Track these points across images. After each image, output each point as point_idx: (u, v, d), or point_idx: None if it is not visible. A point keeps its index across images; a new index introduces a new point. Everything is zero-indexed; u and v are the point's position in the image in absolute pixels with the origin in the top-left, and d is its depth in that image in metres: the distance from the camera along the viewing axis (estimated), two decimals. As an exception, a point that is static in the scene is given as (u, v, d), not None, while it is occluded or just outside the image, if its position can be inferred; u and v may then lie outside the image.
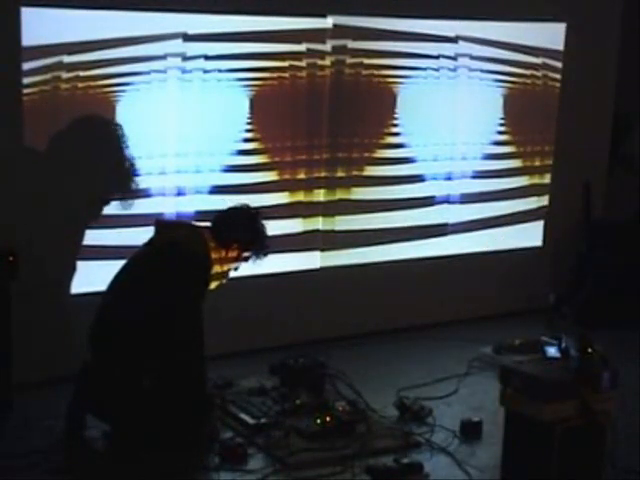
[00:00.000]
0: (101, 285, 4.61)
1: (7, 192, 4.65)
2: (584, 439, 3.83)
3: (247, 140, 5.38)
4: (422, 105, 5.93)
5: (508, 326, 6.09)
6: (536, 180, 6.55)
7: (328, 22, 5.51)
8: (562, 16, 6.31)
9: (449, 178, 6.16)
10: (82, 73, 4.80)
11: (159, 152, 5.08)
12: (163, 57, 5.03)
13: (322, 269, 5.76)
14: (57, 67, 4.73)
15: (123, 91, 4.93)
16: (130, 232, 4.97)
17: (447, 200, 6.18)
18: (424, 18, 5.79)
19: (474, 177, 6.26)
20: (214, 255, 4.42)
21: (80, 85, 4.81)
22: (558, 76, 6.44)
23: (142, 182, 4.93)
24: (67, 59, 4.74)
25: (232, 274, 4.59)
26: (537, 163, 6.54)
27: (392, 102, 5.82)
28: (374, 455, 4.15)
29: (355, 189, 5.80)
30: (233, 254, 4.49)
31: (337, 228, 5.77)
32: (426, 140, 6.01)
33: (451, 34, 5.95)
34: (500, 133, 6.32)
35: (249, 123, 5.36)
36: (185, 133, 5.16)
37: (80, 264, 4.96)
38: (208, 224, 4.55)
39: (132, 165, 4.84)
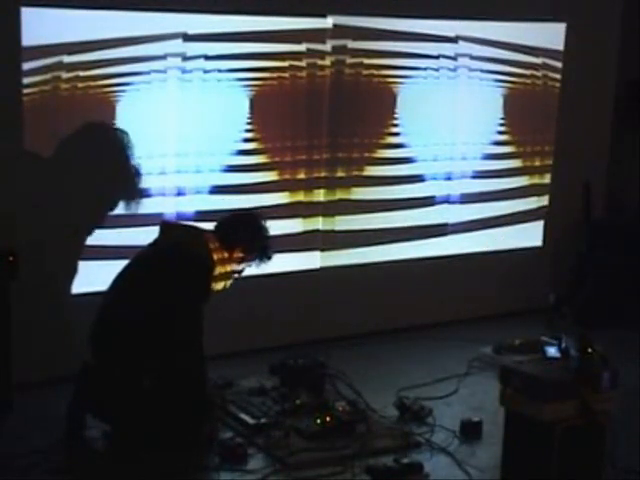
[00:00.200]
0: (101, 285, 4.61)
1: (7, 192, 4.65)
2: (584, 439, 3.83)
3: (247, 140, 5.38)
4: (422, 105, 5.93)
5: (508, 326, 6.09)
6: (536, 180, 6.55)
7: (328, 22, 5.51)
8: (562, 16, 6.31)
9: (449, 178, 6.16)
10: (82, 73, 4.80)
11: (159, 152, 5.08)
12: (163, 57, 5.03)
13: (322, 269, 5.76)
14: (57, 67, 4.73)
15: (123, 91, 4.93)
16: (130, 232, 4.97)
17: (447, 200, 6.18)
18: (424, 18, 5.79)
19: (474, 177, 6.26)
20: (217, 257, 4.41)
21: (80, 85, 4.81)
22: (558, 76, 6.44)
23: (146, 185, 4.93)
24: (67, 59, 4.74)
25: (236, 277, 4.58)
26: (537, 163, 6.54)
27: (392, 102, 5.82)
28: (374, 455, 4.15)
29: (355, 189, 5.80)
30: (236, 258, 4.49)
31: (337, 228, 5.77)
32: (426, 140, 6.01)
33: (451, 34, 5.95)
34: (500, 133, 6.32)
35: (249, 123, 5.36)
36: (185, 133, 5.16)
37: (80, 264, 4.96)
38: (212, 228, 4.55)
39: (137, 172, 4.84)
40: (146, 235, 4.85)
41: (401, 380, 5.04)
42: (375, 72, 5.72)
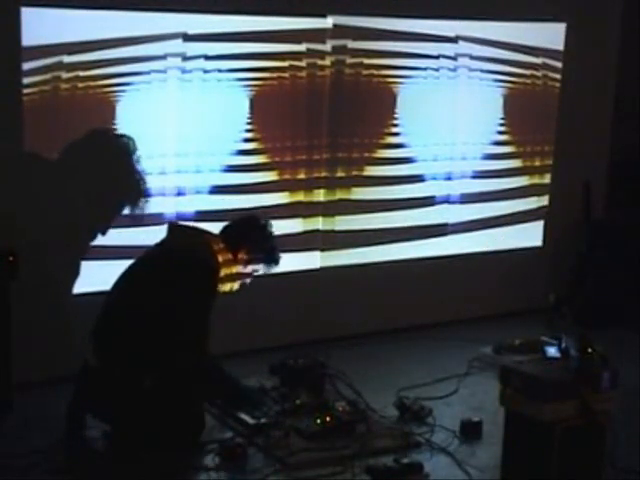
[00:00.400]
0: (101, 285, 4.62)
1: (7, 192, 4.65)
2: (584, 439, 3.83)
3: (247, 140, 5.38)
4: (422, 105, 5.93)
5: (508, 326, 6.09)
6: (536, 180, 6.55)
7: (328, 22, 5.51)
8: (562, 16, 6.31)
9: (449, 178, 6.16)
10: (82, 73, 4.80)
11: (159, 152, 5.08)
12: (163, 57, 5.03)
13: (322, 269, 5.76)
14: (57, 67, 4.73)
15: (123, 91, 4.93)
16: (131, 232, 4.97)
17: (447, 200, 6.18)
18: (424, 18, 5.79)
19: (474, 177, 6.26)
20: (222, 259, 4.41)
21: (80, 85, 4.81)
22: (558, 76, 6.44)
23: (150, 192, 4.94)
24: (67, 59, 4.74)
25: (245, 280, 4.57)
26: (537, 163, 6.54)
27: (392, 102, 5.82)
28: (374, 455, 4.15)
29: (355, 189, 5.80)
30: (242, 259, 4.48)
31: (337, 228, 5.77)
32: (426, 140, 6.01)
33: (451, 34, 5.95)
34: (500, 133, 6.32)
35: (249, 123, 5.36)
36: (185, 133, 5.16)
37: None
38: (219, 231, 4.54)
39: (142, 180, 4.84)
40: (146, 235, 4.87)
41: (401, 380, 5.04)
42: (375, 72, 5.72)
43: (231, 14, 5.16)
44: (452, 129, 6.10)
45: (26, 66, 4.64)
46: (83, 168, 4.80)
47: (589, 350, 3.87)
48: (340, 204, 5.76)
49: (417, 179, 6.01)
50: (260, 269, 4.55)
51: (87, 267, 4.96)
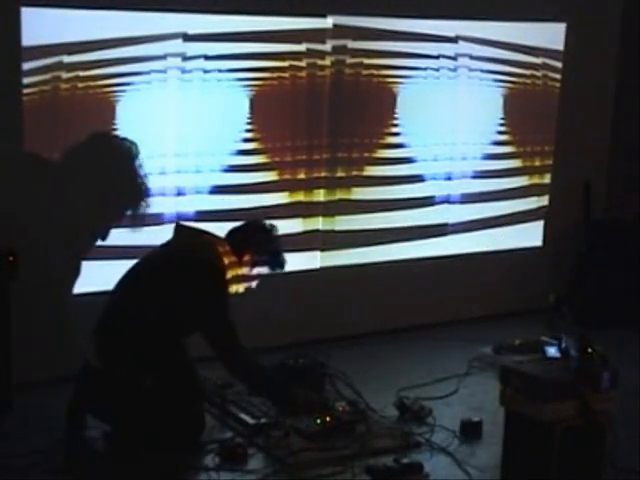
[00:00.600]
0: (101, 285, 4.62)
1: (7, 192, 4.65)
2: (584, 439, 3.83)
3: (247, 140, 5.38)
4: (422, 105, 5.93)
5: (508, 326, 6.09)
6: (536, 180, 6.55)
7: (328, 22, 5.51)
8: (562, 16, 6.31)
9: (449, 178, 6.16)
10: (82, 73, 4.80)
11: (159, 152, 5.08)
12: (163, 57, 5.03)
13: (322, 269, 5.76)
14: (57, 67, 4.73)
15: (123, 91, 4.93)
16: (131, 232, 4.95)
17: (447, 200, 6.18)
18: (424, 18, 5.79)
19: (474, 177, 6.26)
20: (227, 261, 4.40)
21: (80, 85, 4.81)
22: (558, 76, 6.44)
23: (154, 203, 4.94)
24: (67, 59, 4.74)
25: (252, 284, 4.57)
26: (537, 163, 6.54)
27: (392, 102, 5.82)
28: (374, 455, 4.15)
29: (355, 189, 5.80)
30: (246, 261, 4.48)
31: (337, 228, 5.78)
32: (426, 140, 6.01)
33: (451, 34, 5.95)
34: (500, 133, 6.32)
35: (249, 123, 5.36)
36: (185, 133, 5.16)
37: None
38: (225, 235, 4.53)
39: (145, 185, 4.84)
40: (146, 235, 4.87)
41: (401, 380, 5.04)
42: (375, 72, 5.72)
43: (231, 14, 5.16)
44: (452, 129, 6.10)
45: (26, 66, 4.64)
46: (84, 170, 4.80)
47: (589, 350, 3.87)
48: (340, 204, 5.76)
49: (417, 179, 6.01)
50: (265, 272, 4.55)
51: (87, 267, 4.96)
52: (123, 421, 4.25)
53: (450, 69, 6.00)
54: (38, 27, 4.61)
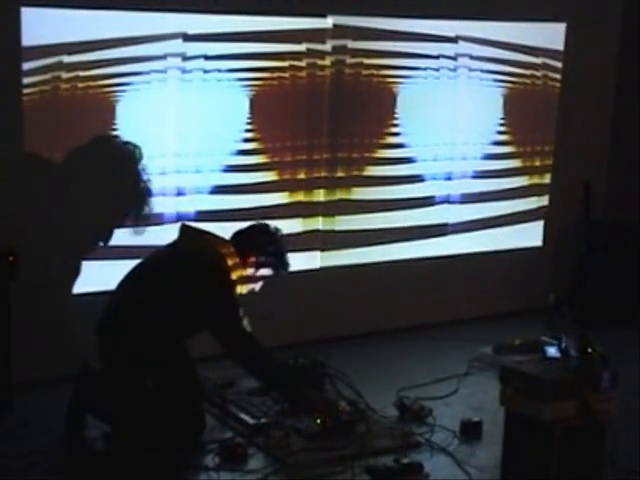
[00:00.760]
0: (101, 285, 4.62)
1: (7, 192, 4.65)
2: (584, 439, 3.83)
3: (247, 140, 5.38)
4: (422, 105, 5.93)
5: (508, 326, 6.09)
6: (536, 180, 6.55)
7: (328, 22, 5.51)
8: (562, 16, 6.31)
9: (449, 178, 6.16)
10: (82, 73, 4.80)
11: (159, 152, 5.08)
12: (163, 57, 5.03)
13: (322, 269, 5.76)
14: (57, 67, 4.72)
15: (123, 91, 4.93)
16: (131, 232, 4.96)
17: (447, 200, 6.18)
18: (424, 18, 5.79)
19: (474, 177, 6.26)
20: (231, 263, 4.40)
21: (80, 85, 4.81)
22: (558, 76, 6.44)
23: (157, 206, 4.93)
24: (67, 59, 4.74)
25: (256, 287, 4.57)
26: (537, 163, 6.54)
27: (392, 102, 5.82)
28: (374, 455, 4.15)
29: (355, 189, 5.80)
30: (250, 263, 4.48)
31: (337, 228, 5.77)
32: (426, 140, 6.01)
33: (451, 34, 5.95)
34: (500, 133, 6.32)
35: (249, 123, 5.36)
36: (185, 133, 5.16)
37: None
38: (230, 237, 4.54)
39: (148, 189, 4.84)
40: (147, 235, 4.87)
41: (401, 380, 5.04)
42: (375, 72, 5.72)
43: (231, 14, 5.16)
44: (452, 129, 6.09)
45: (26, 66, 4.64)
46: (87, 173, 4.80)
47: (589, 350, 3.87)
48: (340, 204, 5.76)
49: (417, 179, 6.01)
50: (269, 275, 4.55)
51: (87, 267, 4.95)
52: (123, 421, 4.25)
53: (450, 69, 6.00)
54: (38, 27, 4.61)
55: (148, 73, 4.99)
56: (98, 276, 4.84)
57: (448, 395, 4.95)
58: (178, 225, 4.71)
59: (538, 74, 6.38)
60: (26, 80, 4.66)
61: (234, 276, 4.39)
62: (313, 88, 5.53)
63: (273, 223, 4.68)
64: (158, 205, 5.06)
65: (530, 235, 6.57)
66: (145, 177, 4.84)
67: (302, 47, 5.45)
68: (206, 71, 5.16)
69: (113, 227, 4.90)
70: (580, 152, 6.53)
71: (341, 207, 5.76)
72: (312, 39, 5.47)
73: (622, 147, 6.77)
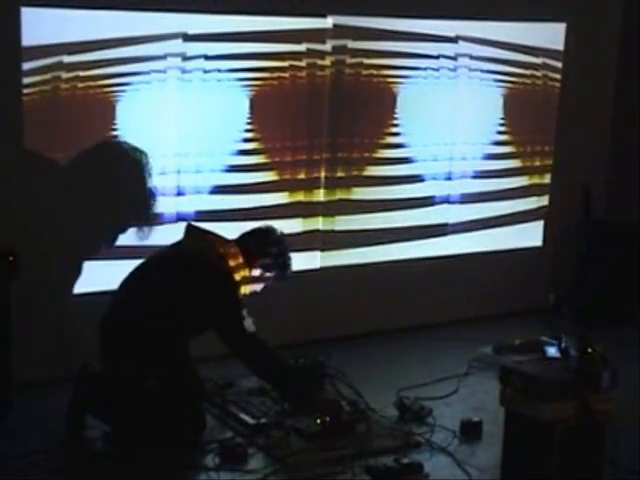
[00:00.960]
0: (101, 285, 4.62)
1: (7, 192, 4.65)
2: (584, 439, 3.83)
3: (247, 140, 5.38)
4: (422, 105, 5.93)
5: (508, 326, 6.09)
6: (536, 180, 6.55)
7: (328, 22, 5.51)
8: (562, 16, 6.31)
9: (449, 178, 6.16)
10: (82, 73, 4.80)
11: (159, 152, 5.08)
12: (163, 57, 5.03)
13: (322, 269, 5.76)
14: (57, 67, 4.73)
15: (123, 91, 4.93)
16: (131, 232, 4.96)
17: (447, 200, 6.18)
18: (424, 18, 5.79)
19: (474, 177, 6.26)
20: (234, 264, 4.41)
21: (80, 85, 4.81)
22: (558, 76, 6.44)
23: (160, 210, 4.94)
24: (67, 59, 4.74)
25: (259, 288, 4.58)
26: (537, 163, 6.54)
27: (392, 102, 5.82)
28: (374, 455, 4.15)
29: (355, 189, 5.80)
30: (253, 264, 4.48)
31: (337, 228, 5.78)
32: (426, 140, 6.01)
33: (451, 34, 5.95)
34: (500, 133, 6.32)
35: (249, 123, 5.36)
36: (185, 133, 5.16)
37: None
38: (235, 238, 4.54)
39: (153, 196, 4.83)
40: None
41: (401, 380, 5.04)
42: (375, 72, 5.72)
43: (231, 14, 5.16)
44: (452, 129, 6.09)
45: (26, 66, 4.64)
46: (91, 176, 4.81)
47: (589, 350, 3.87)
48: (340, 204, 5.76)
49: (417, 179, 6.01)
50: (271, 277, 4.55)
51: (88, 267, 4.95)
52: (123, 421, 4.25)
53: (450, 69, 6.00)
54: (38, 27, 4.61)
55: (148, 73, 4.99)
56: (99, 276, 4.84)
57: (448, 395, 4.95)
58: (178, 225, 4.72)
59: (538, 74, 6.38)
60: (26, 80, 4.66)
61: (237, 277, 4.40)
62: (313, 88, 5.53)
63: (276, 225, 4.68)
64: (158, 205, 5.07)
65: (530, 235, 6.57)
66: (150, 183, 4.84)
67: (302, 47, 5.45)
68: (206, 71, 5.16)
69: (117, 231, 4.90)
70: (580, 152, 6.53)
71: (341, 207, 5.76)
72: (312, 39, 5.47)
73: (622, 147, 6.77)
